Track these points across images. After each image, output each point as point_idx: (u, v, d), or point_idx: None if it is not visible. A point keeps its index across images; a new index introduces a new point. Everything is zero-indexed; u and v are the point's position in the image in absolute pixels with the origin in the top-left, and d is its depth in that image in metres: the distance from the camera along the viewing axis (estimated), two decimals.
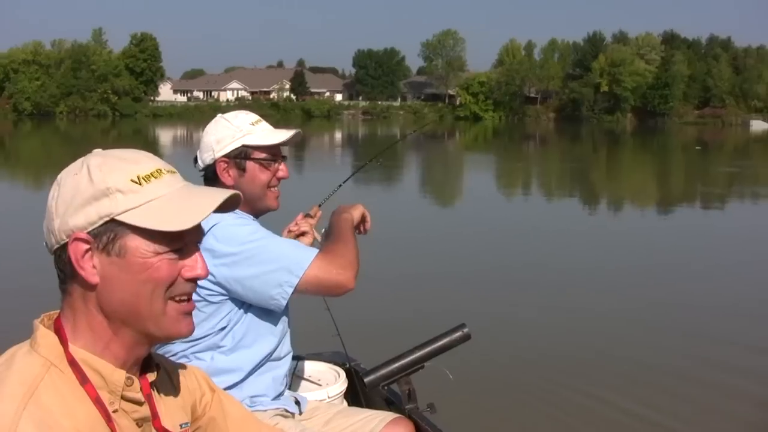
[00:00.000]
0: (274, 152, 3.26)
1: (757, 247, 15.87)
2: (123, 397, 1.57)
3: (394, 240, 13.35)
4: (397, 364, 3.65)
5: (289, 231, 3.64)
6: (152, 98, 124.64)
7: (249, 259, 2.98)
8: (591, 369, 7.90)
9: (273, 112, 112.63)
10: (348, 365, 4.08)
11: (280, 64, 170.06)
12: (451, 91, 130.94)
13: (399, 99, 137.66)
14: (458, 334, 3.70)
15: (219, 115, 3.33)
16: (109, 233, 1.53)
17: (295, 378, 3.85)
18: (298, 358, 3.92)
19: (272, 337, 3.18)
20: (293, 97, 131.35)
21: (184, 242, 1.60)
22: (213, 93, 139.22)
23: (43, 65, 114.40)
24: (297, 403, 3.35)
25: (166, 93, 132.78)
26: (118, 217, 1.52)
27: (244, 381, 3.12)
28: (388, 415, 3.37)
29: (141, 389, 1.62)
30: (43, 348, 1.53)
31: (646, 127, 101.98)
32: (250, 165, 3.20)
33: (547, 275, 12.38)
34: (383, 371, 3.65)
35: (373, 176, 23.91)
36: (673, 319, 10.00)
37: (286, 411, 3.22)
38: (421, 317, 8.63)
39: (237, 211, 2.93)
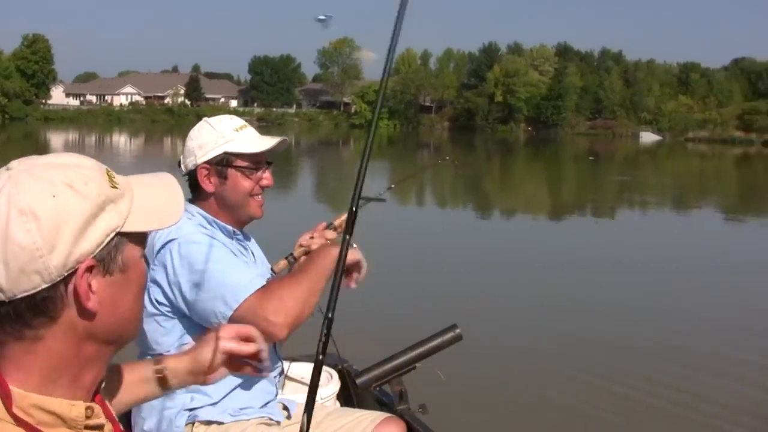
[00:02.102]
0: (257, 160, 3.13)
1: (644, 250, 16.84)
2: (86, 427, 1.39)
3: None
4: (388, 365, 3.66)
5: (300, 245, 3.28)
6: (44, 101, 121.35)
7: (195, 285, 2.86)
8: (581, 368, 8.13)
9: (167, 118, 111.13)
10: (340, 366, 4.04)
11: (175, 69, 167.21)
12: (346, 99, 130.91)
13: (294, 106, 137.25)
14: (450, 335, 3.70)
15: (204, 119, 3.20)
16: (112, 251, 1.35)
17: (287, 380, 3.78)
18: (290, 360, 3.84)
19: None
20: (188, 102, 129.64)
21: None
22: (106, 97, 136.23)
23: None
24: (286, 408, 3.30)
25: (58, 96, 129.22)
26: (123, 229, 1.36)
27: (228, 396, 3.04)
28: (379, 416, 3.32)
29: (102, 411, 1.44)
30: None
31: (540, 137, 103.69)
32: (231, 172, 3.08)
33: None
34: (375, 372, 3.66)
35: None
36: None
37: (271, 419, 3.13)
38: (412, 319, 8.66)
39: (215, 221, 3.06)
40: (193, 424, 2.99)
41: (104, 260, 1.34)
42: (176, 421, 2.98)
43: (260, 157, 3.13)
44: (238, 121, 3.17)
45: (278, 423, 3.16)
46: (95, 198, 1.32)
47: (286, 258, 3.25)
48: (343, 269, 2.03)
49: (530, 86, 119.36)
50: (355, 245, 3.05)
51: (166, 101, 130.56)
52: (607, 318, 10.53)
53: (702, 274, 14.31)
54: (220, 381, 1.92)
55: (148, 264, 1.50)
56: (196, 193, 3.15)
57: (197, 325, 2.92)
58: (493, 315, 10.16)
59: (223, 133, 3.07)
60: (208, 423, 3.00)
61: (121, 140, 71.09)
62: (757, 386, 8.12)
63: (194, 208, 3.10)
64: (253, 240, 3.39)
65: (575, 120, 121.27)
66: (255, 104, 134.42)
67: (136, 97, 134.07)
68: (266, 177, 3.16)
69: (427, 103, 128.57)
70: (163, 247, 2.91)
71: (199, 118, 3.42)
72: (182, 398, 2.97)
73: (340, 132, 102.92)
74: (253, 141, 3.12)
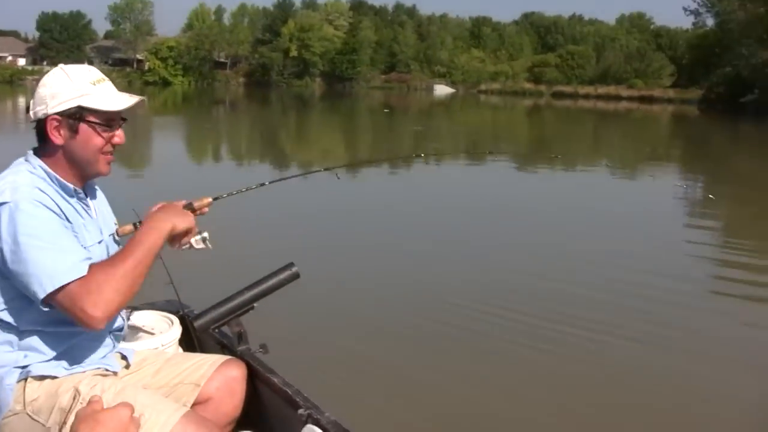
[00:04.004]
0: (112, 117, 2.95)
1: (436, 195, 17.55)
2: None
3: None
4: (226, 307, 3.63)
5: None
6: None
7: (15, 256, 2.70)
8: (412, 303, 8.38)
9: None
10: (181, 312, 3.94)
11: None
12: (139, 56, 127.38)
13: (86, 64, 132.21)
14: (287, 273, 3.68)
15: (60, 65, 3.00)
16: None
17: (129, 329, 3.62)
18: (131, 308, 3.77)
19: None
20: None
21: None
22: None
23: None
24: (124, 357, 3.21)
25: None
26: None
27: (63, 351, 2.91)
28: (219, 358, 3.34)
29: None
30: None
31: (335, 91, 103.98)
32: (83, 127, 2.90)
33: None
34: (212, 314, 3.63)
35: None
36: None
37: (107, 370, 3.03)
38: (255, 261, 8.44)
39: (57, 178, 2.90)
40: (26, 380, 2.85)
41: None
42: (6, 379, 2.85)
43: (115, 114, 2.97)
44: (96, 73, 3.00)
45: (115, 373, 3.07)
46: None
47: (134, 224, 3.16)
48: None
49: (325, 41, 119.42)
50: (190, 245, 3.10)
51: None
52: (426, 258, 10.72)
53: (491, 215, 14.96)
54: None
55: None
56: (42, 144, 2.97)
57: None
58: (328, 255, 10.32)
59: (79, 85, 2.90)
60: (41, 378, 2.87)
61: None
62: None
63: (37, 161, 2.94)
64: (100, 195, 3.26)
65: (370, 74, 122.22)
66: (44, 62, 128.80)
67: None
68: (119, 135, 3.00)
69: (222, 59, 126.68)
70: None
71: None
72: (13, 356, 2.85)
73: (134, 89, 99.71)
74: (110, 97, 2.95)
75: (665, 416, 6.05)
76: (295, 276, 3.68)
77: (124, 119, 3.02)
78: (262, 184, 3.61)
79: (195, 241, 3.10)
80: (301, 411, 3.07)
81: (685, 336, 7.83)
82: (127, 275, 2.71)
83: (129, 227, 3.15)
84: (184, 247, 3.11)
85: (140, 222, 3.08)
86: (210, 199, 3.22)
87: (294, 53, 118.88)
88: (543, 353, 7.11)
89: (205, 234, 3.12)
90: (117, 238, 3.16)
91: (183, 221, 2.97)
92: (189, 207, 3.13)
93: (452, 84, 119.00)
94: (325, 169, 3.45)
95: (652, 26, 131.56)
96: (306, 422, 3.01)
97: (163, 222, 2.91)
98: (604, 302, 8.88)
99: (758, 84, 62.04)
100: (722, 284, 10.29)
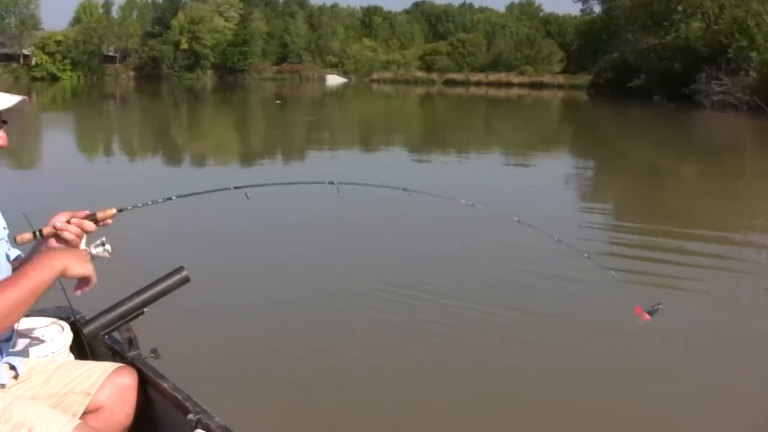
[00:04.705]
0: None
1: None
2: None
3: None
4: (116, 312, 3.57)
5: (53, 226, 2.96)
6: None
7: None
8: (303, 307, 8.20)
9: None
10: (72, 318, 3.82)
11: None
12: (26, 51, 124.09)
13: None
14: (176, 277, 3.62)
15: None
16: None
17: (18, 337, 3.42)
18: None
19: None
20: None
21: None
22: None
23: None
24: (13, 367, 3.07)
25: None
26: None
27: None
28: (110, 366, 3.26)
29: None
30: None
31: (227, 83, 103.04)
32: None
33: None
34: (102, 320, 3.56)
35: None
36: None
37: None
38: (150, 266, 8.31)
39: None
40: None
41: None
42: None
43: None
44: None
45: (3, 386, 2.96)
46: None
47: (33, 233, 2.96)
48: None
49: (216, 33, 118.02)
50: (90, 254, 2.98)
51: None
52: (323, 259, 10.59)
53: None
54: None
55: None
56: None
57: None
58: (218, 258, 10.13)
59: None
60: None
61: None
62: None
63: None
64: None
65: (262, 65, 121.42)
66: None
67: None
68: (1, 137, 2.91)
69: (111, 53, 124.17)
70: None
71: None
72: None
73: (21, 86, 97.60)
74: None
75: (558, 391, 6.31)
76: (185, 280, 3.64)
77: (4, 121, 2.94)
78: (170, 198, 3.46)
79: (95, 250, 3.03)
80: (190, 416, 3.05)
81: (576, 312, 8.15)
82: (7, 304, 2.58)
83: (28, 235, 2.99)
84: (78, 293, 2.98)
85: (40, 231, 2.96)
86: (114, 211, 3.08)
87: (184, 46, 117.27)
88: (445, 337, 7.30)
89: (107, 246, 3.05)
90: (14, 244, 3.06)
91: (79, 269, 2.79)
92: (92, 218, 3.02)
93: (344, 74, 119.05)
94: (235, 188, 3.42)
95: (541, 13, 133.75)
96: (195, 427, 3.00)
97: (58, 262, 2.73)
98: (498, 282, 9.18)
99: (644, 69, 63.41)
100: (612, 260, 10.48)
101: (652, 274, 9.91)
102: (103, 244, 3.05)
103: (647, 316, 3.68)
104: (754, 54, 48.11)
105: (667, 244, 11.75)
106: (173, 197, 3.50)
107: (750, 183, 20.17)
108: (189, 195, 3.58)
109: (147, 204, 3.30)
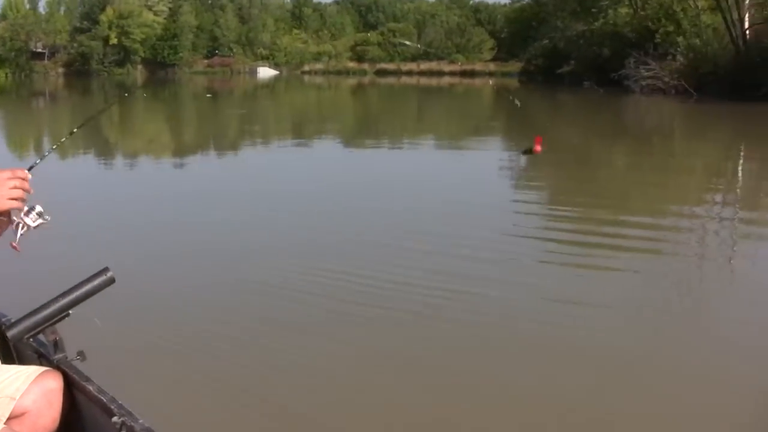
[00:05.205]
0: None
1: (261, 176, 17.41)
2: None
3: None
4: (41, 315, 3.44)
5: None
6: None
7: None
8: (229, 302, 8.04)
9: None
10: None
11: None
12: None
13: None
14: (101, 278, 3.52)
15: None
16: None
17: None
18: None
19: None
20: None
21: None
22: None
23: None
24: None
25: None
26: None
27: None
28: (36, 370, 3.22)
29: None
30: None
31: (157, 78, 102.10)
32: None
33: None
34: (27, 323, 3.44)
35: None
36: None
37: None
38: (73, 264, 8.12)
39: None
40: None
41: None
42: None
43: None
44: None
45: None
46: None
47: None
48: None
49: (145, 27, 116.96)
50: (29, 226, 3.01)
51: None
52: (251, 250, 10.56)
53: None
54: None
55: None
56: None
57: None
58: (146, 256, 9.97)
59: None
60: None
61: None
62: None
63: None
64: None
65: (193, 59, 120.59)
66: None
67: None
68: None
69: (40, 50, 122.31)
70: None
71: None
72: None
73: None
74: None
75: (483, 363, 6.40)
76: (111, 281, 3.57)
77: None
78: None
79: (32, 219, 3.01)
80: (115, 419, 3.01)
81: (499, 293, 8.23)
82: None
83: None
84: (21, 233, 3.01)
85: None
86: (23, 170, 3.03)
87: (114, 41, 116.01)
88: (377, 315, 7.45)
89: (39, 208, 3.02)
90: None
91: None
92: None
93: (276, 66, 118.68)
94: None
95: (471, 2, 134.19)
96: (120, 430, 2.97)
97: None
98: (433, 257, 9.48)
99: (573, 55, 64.04)
100: (542, 243, 10.83)
101: (582, 254, 10.09)
102: (39, 215, 3.06)
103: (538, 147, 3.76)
104: (680, 39, 48.83)
105: (599, 223, 11.98)
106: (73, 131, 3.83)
107: (680, 162, 20.54)
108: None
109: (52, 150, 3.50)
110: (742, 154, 21.97)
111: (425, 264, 9.26)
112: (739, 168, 19.40)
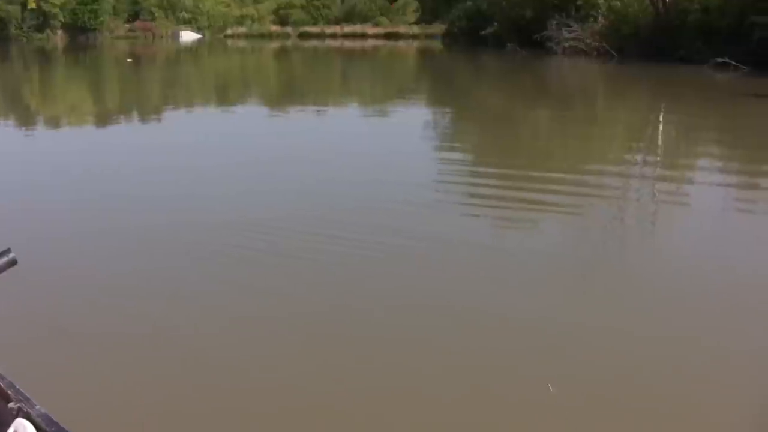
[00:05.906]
0: None
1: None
2: None
3: None
4: None
5: None
6: None
7: None
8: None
9: None
10: None
11: None
12: None
13: None
14: (2, 260, 3.25)
15: None
16: None
17: None
18: None
19: None
20: None
21: None
22: None
23: None
24: None
25: None
26: None
27: None
28: None
29: None
30: None
31: (78, 43, 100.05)
32: None
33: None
34: None
35: None
36: None
37: None
38: None
39: None
40: None
41: None
42: None
43: None
44: None
45: None
46: None
47: None
48: None
49: None
50: None
51: None
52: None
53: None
54: None
55: None
56: None
57: None
58: (50, 237, 9.40)
59: None
60: None
61: None
62: None
63: None
64: None
65: (114, 24, 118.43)
66: None
67: None
68: None
69: None
70: None
71: None
72: None
73: None
74: None
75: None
76: (12, 262, 3.34)
77: None
78: None
79: None
80: (11, 404, 2.92)
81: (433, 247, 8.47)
82: None
83: None
84: None
85: None
86: None
87: (33, 5, 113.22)
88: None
89: None
90: None
91: None
92: None
93: (198, 30, 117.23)
94: None
95: None
96: (16, 415, 2.86)
97: None
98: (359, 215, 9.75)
99: (496, 17, 64.10)
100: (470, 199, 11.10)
101: (507, 208, 10.36)
102: None
103: None
104: (601, 1, 49.17)
105: (522, 179, 12.28)
106: None
107: (603, 122, 20.87)
108: None
109: None
110: (661, 114, 22.31)
111: (339, 216, 9.63)
112: (660, 126, 19.70)
